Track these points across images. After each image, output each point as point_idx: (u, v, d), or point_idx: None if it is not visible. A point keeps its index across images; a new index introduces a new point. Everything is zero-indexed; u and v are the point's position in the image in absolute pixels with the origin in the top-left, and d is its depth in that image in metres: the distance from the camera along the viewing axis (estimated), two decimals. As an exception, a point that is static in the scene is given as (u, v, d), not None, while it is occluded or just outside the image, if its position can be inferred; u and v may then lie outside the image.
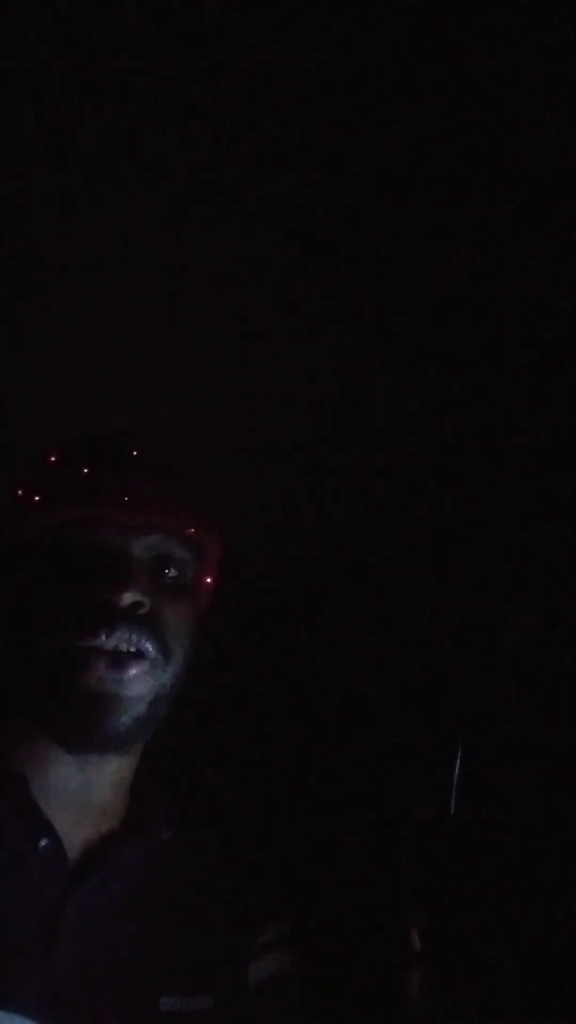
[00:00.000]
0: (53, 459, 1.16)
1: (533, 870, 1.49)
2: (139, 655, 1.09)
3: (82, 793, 1.13)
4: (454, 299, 1.63)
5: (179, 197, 1.66)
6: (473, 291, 1.62)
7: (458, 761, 1.56)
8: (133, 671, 1.08)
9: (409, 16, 1.44)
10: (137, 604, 1.09)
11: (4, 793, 1.11)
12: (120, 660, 1.08)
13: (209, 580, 1.19)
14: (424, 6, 1.42)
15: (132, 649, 1.08)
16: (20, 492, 1.15)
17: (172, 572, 1.13)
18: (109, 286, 1.68)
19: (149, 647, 1.09)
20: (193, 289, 1.69)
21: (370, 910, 1.48)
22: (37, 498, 1.13)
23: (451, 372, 1.62)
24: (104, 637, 1.08)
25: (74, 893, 1.09)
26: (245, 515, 1.62)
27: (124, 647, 1.08)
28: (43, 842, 1.09)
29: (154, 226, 1.66)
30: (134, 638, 1.08)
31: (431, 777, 1.56)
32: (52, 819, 1.11)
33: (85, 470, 1.13)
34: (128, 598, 1.08)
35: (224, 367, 1.69)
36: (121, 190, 1.65)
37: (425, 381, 1.64)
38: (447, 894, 1.46)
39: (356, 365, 1.69)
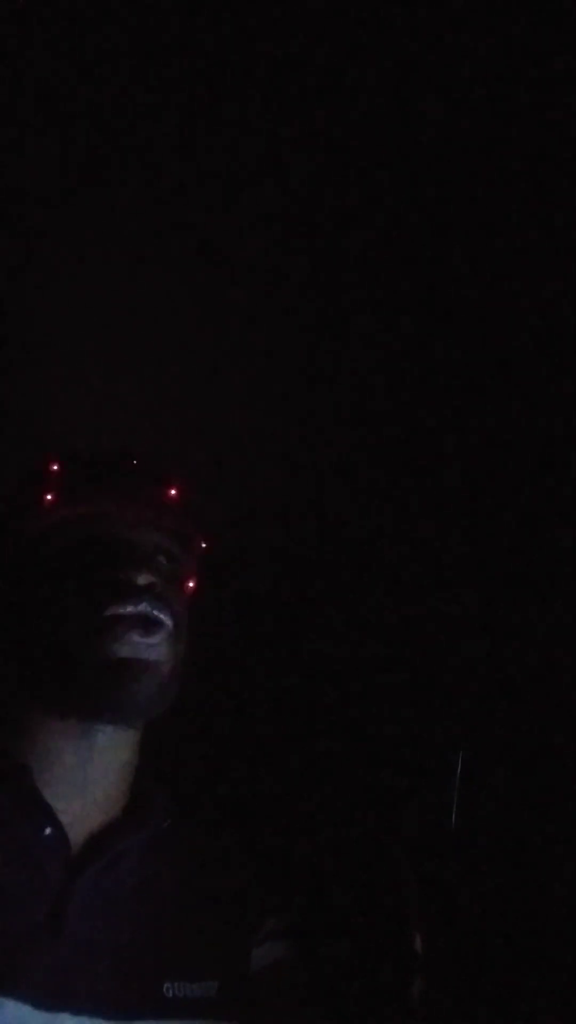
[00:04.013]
0: (62, 463, 1.24)
1: (533, 874, 1.50)
2: (163, 624, 1.14)
3: (85, 783, 1.15)
4: (453, 304, 1.64)
5: (179, 207, 1.68)
6: (468, 304, 1.64)
7: (459, 767, 1.57)
8: (159, 636, 1.14)
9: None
10: (152, 584, 1.15)
11: (8, 783, 1.13)
12: (150, 624, 1.13)
13: (192, 583, 1.26)
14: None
15: (155, 615, 1.14)
16: (31, 491, 1.22)
17: (167, 563, 1.20)
18: (111, 302, 1.70)
19: (168, 620, 1.15)
20: (192, 304, 1.70)
21: (372, 914, 1.48)
22: (49, 496, 1.21)
23: (452, 373, 1.64)
24: (131, 606, 1.13)
25: (78, 880, 1.10)
26: (246, 519, 1.64)
27: (147, 612, 1.14)
28: (47, 830, 1.11)
29: (156, 238, 1.68)
30: (156, 610, 1.14)
31: (433, 782, 1.56)
32: (55, 809, 1.12)
33: (92, 473, 1.22)
34: (144, 578, 1.15)
35: (220, 378, 1.71)
36: (122, 199, 1.67)
37: (426, 387, 1.66)
38: (449, 897, 1.46)
39: (352, 372, 1.71)
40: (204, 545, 1.28)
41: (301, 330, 1.71)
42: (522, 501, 1.61)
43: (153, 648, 1.13)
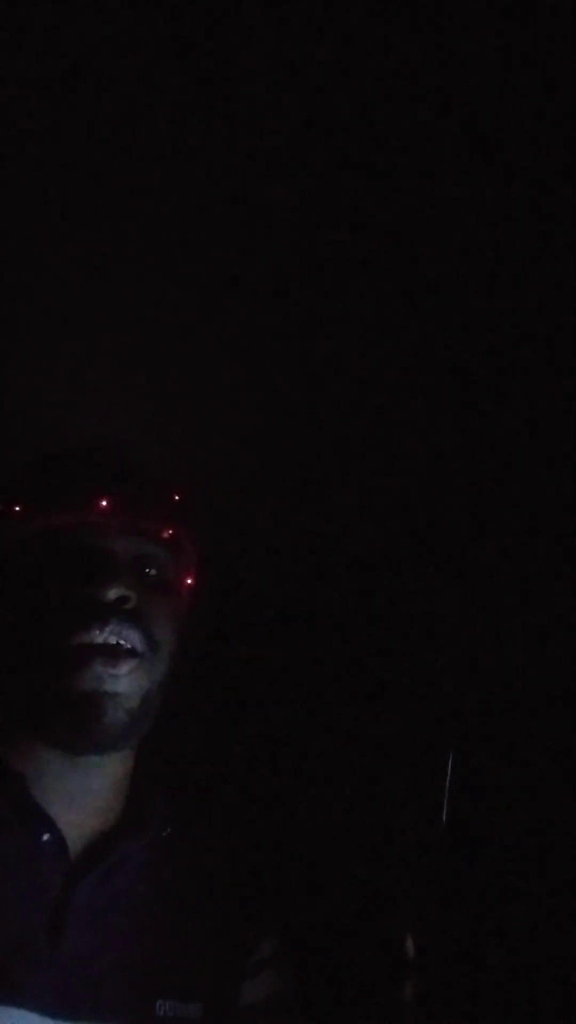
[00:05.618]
0: (35, 470, 1.19)
1: (526, 876, 1.49)
2: (131, 652, 1.11)
3: (80, 793, 1.14)
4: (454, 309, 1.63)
5: (175, 203, 1.66)
6: (470, 302, 1.62)
7: (450, 769, 1.56)
8: (126, 667, 1.10)
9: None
10: (123, 599, 1.11)
11: (4, 791, 1.11)
12: (114, 655, 1.09)
13: (189, 581, 1.21)
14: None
15: (123, 642, 1.10)
16: (3, 502, 1.18)
17: (153, 571, 1.16)
18: (102, 298, 1.68)
19: (138, 640, 1.11)
20: (183, 300, 1.69)
21: (364, 917, 1.48)
22: (18, 508, 1.16)
23: (452, 372, 1.62)
24: (96, 632, 1.09)
25: (77, 887, 1.09)
26: (244, 520, 1.63)
27: (114, 640, 1.10)
28: (45, 837, 1.10)
29: (150, 237, 1.66)
30: (124, 632, 1.10)
31: (424, 784, 1.56)
32: (52, 817, 1.11)
33: (65, 479, 1.16)
34: (114, 593, 1.10)
35: (213, 377, 1.69)
36: (118, 197, 1.65)
37: (426, 385, 1.64)
38: (441, 901, 1.46)
39: (348, 375, 1.70)
40: (199, 542, 1.21)
41: (300, 322, 1.69)
42: (519, 499, 1.60)
43: (119, 679, 1.09)
